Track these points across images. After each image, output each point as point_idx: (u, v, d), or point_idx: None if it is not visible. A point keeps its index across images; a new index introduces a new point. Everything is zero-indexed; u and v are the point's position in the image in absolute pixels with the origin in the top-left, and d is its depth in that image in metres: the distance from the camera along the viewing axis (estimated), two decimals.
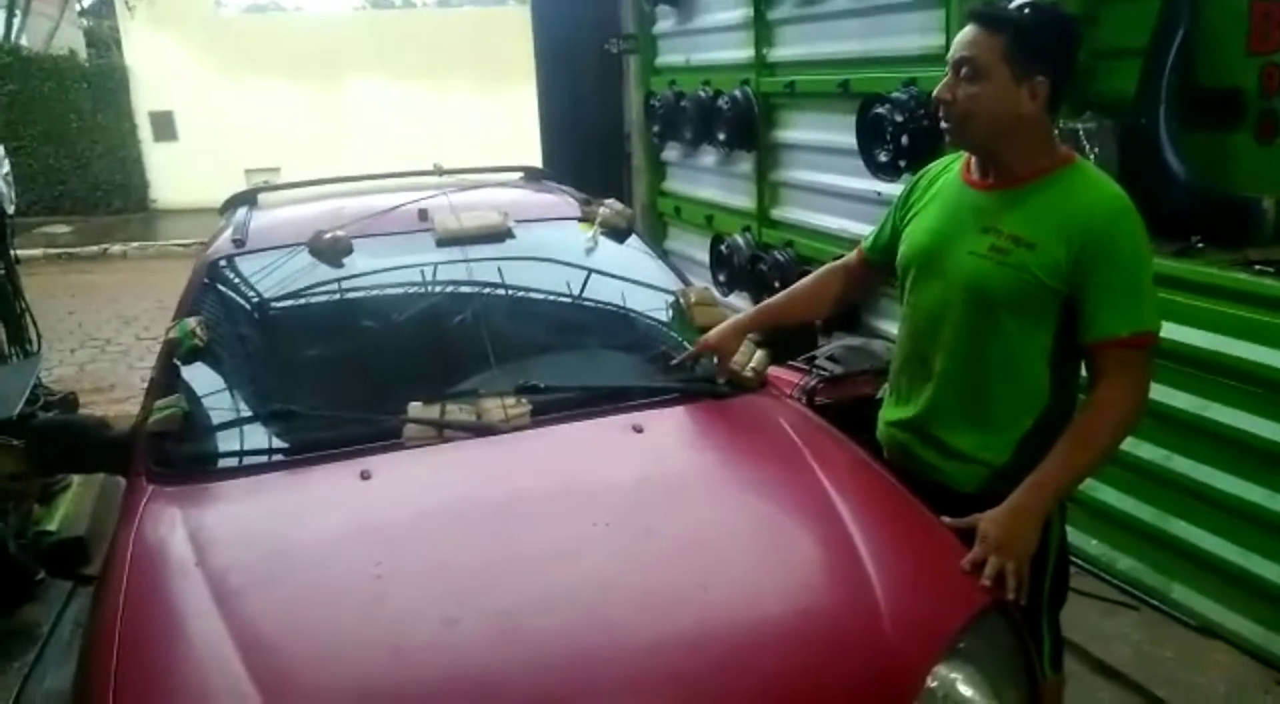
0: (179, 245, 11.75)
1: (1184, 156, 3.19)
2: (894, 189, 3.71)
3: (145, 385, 2.56)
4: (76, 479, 4.29)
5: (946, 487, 2.02)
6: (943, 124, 1.88)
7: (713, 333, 2.44)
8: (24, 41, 15.42)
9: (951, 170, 2.04)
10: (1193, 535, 3.00)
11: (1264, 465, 2.78)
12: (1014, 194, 1.88)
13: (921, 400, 2.04)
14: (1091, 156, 3.32)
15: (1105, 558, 3.28)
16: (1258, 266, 2.81)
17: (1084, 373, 1.94)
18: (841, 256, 2.40)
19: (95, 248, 12.42)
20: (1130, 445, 3.06)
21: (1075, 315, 1.83)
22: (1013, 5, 1.86)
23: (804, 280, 2.43)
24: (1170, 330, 2.91)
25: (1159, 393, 2.91)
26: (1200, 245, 3.01)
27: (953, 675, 1.66)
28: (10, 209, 4.92)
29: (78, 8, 18.55)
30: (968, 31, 1.82)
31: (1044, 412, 1.93)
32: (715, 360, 2.45)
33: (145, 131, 15.60)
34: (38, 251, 11.50)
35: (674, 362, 2.49)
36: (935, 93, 1.86)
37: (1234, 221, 3.04)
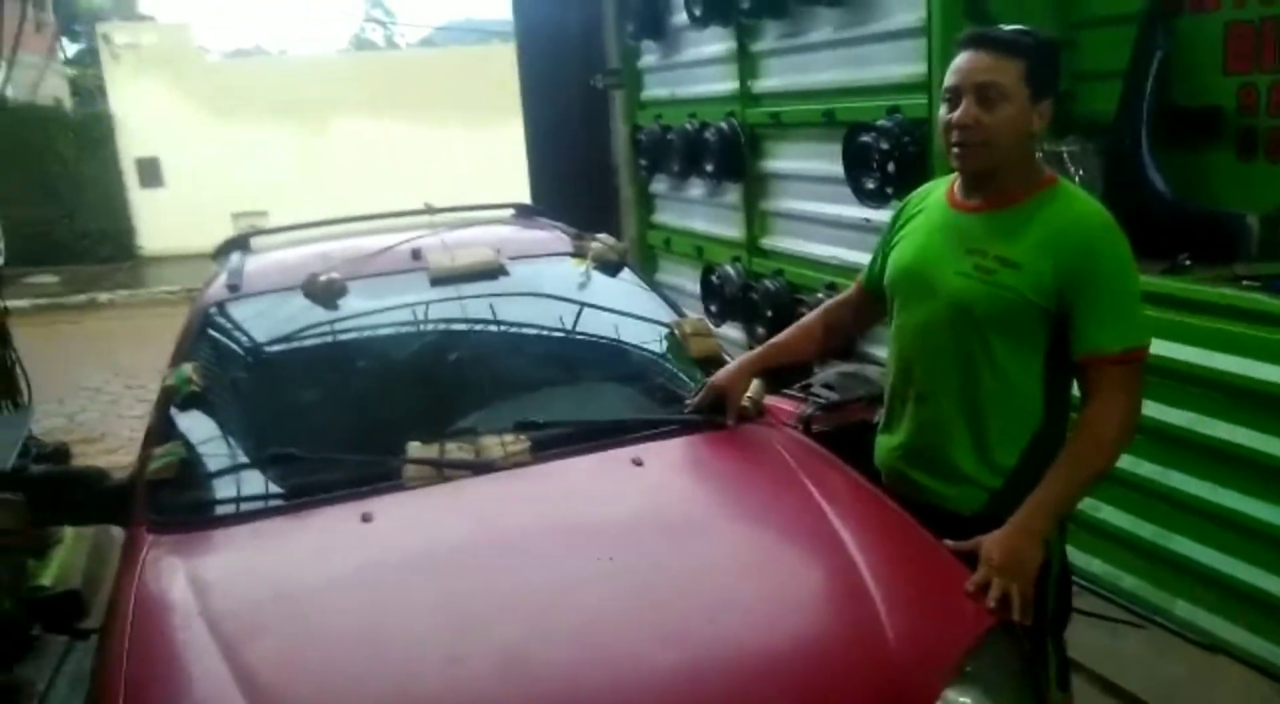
0: (167, 292, 11.76)
1: (1167, 176, 3.23)
2: (882, 215, 3.75)
3: (136, 435, 2.54)
4: (69, 532, 4.24)
5: (946, 510, 2.02)
6: (955, 149, 1.88)
7: (721, 374, 2.43)
8: (9, 91, 15.46)
9: (936, 194, 2.07)
10: (1194, 551, 3.00)
11: (1261, 479, 2.79)
12: (1000, 215, 1.90)
13: (916, 424, 2.05)
14: (1076, 178, 3.36)
15: (1109, 577, 3.28)
16: (1245, 282, 2.84)
17: (1075, 390, 1.95)
18: (833, 284, 2.42)
19: (83, 297, 12.42)
20: (1128, 463, 3.07)
21: (1064, 333, 1.85)
22: (1008, 30, 1.88)
23: (808, 317, 2.45)
24: (1162, 347, 2.93)
25: (1154, 410, 2.92)
26: (1188, 263, 3.03)
27: (961, 699, 1.65)
28: (0, 260, 4.92)
29: (62, 57, 18.65)
30: (980, 57, 1.83)
31: (1039, 430, 1.94)
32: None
33: (132, 178, 15.68)
34: (25, 302, 11.46)
35: (686, 405, 2.47)
36: (956, 118, 1.84)
37: (1220, 238, 3.06)
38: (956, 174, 2.00)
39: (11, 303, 5.71)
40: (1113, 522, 3.22)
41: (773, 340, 2.48)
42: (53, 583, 3.85)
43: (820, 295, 4.37)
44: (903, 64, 3.85)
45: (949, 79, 1.87)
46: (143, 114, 15.48)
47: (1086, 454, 1.85)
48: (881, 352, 3.79)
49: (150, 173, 15.78)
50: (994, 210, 1.91)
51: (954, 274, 1.92)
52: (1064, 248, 1.82)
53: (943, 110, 1.90)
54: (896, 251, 2.08)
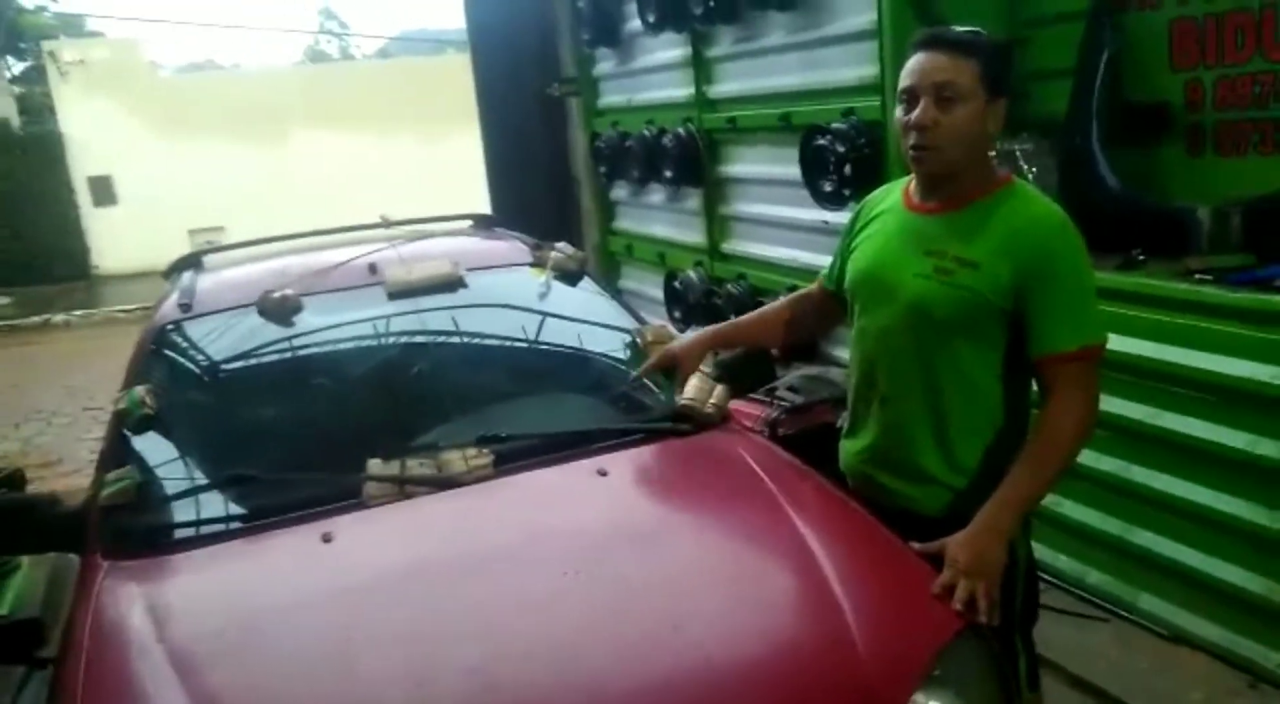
0: (123, 312, 11.57)
1: (1119, 172, 3.27)
2: (840, 218, 3.76)
3: (94, 458, 2.49)
4: (25, 559, 4.14)
5: (912, 512, 2.02)
6: (912, 151, 1.87)
7: (676, 343, 2.42)
8: None
9: (892, 196, 2.07)
10: (1157, 544, 3.03)
11: (1219, 471, 2.83)
12: (957, 216, 1.91)
13: (880, 426, 2.05)
14: (1030, 176, 3.40)
15: (1075, 573, 3.30)
16: (1197, 275, 2.87)
17: (1034, 388, 1.96)
18: (794, 287, 2.42)
19: (37, 318, 12.20)
20: (1090, 458, 3.10)
21: (1021, 332, 1.86)
22: (962, 30, 1.88)
23: (772, 305, 2.45)
24: (1119, 342, 2.96)
25: (1114, 405, 2.96)
26: (1141, 258, 3.07)
27: (931, 702, 1.65)
28: None
29: (8, 74, 18.33)
30: (936, 58, 1.82)
31: (1000, 429, 1.95)
32: (674, 380, 2.43)
33: (84, 197, 15.44)
34: None
35: (633, 376, 2.47)
36: (914, 119, 1.84)
37: (1172, 233, 3.10)
38: (912, 176, 2.01)
39: None
40: (1077, 517, 3.25)
41: (734, 320, 2.47)
42: (9, 611, 3.76)
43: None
44: (856, 67, 3.87)
45: (905, 80, 1.86)
46: (94, 132, 15.24)
47: (1047, 452, 1.86)
48: (844, 353, 3.81)
49: (103, 191, 15.54)
50: (951, 211, 1.92)
51: (913, 277, 1.92)
52: (1021, 248, 1.83)
53: (899, 112, 1.89)
54: (856, 255, 2.09)
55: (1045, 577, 3.28)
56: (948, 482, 1.97)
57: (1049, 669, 2.85)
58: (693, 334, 2.44)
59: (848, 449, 2.18)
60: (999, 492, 1.85)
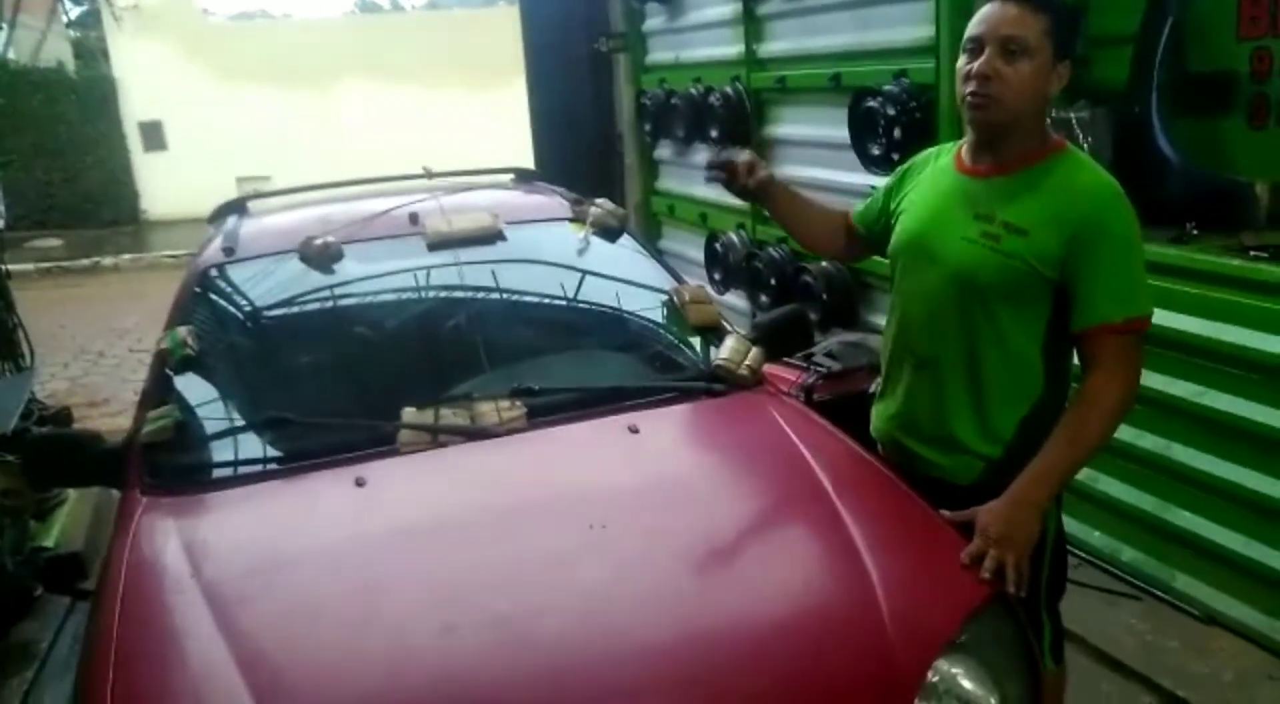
0: (170, 256, 11.73)
1: (1177, 143, 3.18)
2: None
3: (139, 398, 2.54)
4: (72, 494, 4.26)
5: (944, 480, 2.01)
6: (970, 101, 1.83)
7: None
8: (11, 54, 15.37)
9: (943, 158, 2.03)
10: (1195, 524, 2.99)
11: (1264, 451, 2.77)
12: (1007, 181, 1.87)
13: (914, 391, 2.03)
14: (1085, 145, 3.31)
15: (1108, 549, 3.27)
16: (1252, 252, 2.80)
17: (1074, 361, 1.93)
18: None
19: (86, 261, 12.40)
20: (1130, 435, 3.06)
21: (1067, 303, 1.83)
22: None
23: (821, 204, 2.36)
24: (1167, 318, 2.91)
25: (1158, 381, 2.91)
26: (1195, 232, 3.00)
27: (954, 670, 1.65)
28: (1, 224, 4.90)
29: (64, 19, 18.50)
30: (1007, 9, 1.79)
31: (1038, 400, 1.92)
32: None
33: (135, 142, 15.58)
34: (29, 266, 11.47)
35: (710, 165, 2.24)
36: (977, 68, 1.80)
37: (1228, 207, 3.02)
38: (963, 140, 1.98)
39: (14, 266, 5.72)
40: (1113, 494, 3.21)
41: (794, 192, 2.31)
42: (55, 544, 3.88)
43: (825, 265, 4.35)
44: (910, 27, 3.79)
45: (972, 29, 1.83)
46: (145, 77, 15.34)
47: (1086, 426, 1.83)
48: (883, 320, 3.76)
49: (153, 136, 15.67)
50: (1002, 175, 1.88)
51: (960, 240, 1.89)
52: (1072, 217, 1.79)
53: (962, 60, 1.85)
54: (904, 219, 2.05)
55: (1078, 552, 3.26)
56: (981, 451, 1.95)
57: (1077, 644, 2.84)
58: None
59: (879, 413, 2.16)
60: (1034, 463, 1.83)
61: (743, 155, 2.21)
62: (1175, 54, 3.21)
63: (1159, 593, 3.10)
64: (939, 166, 2.03)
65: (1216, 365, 2.85)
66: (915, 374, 2.02)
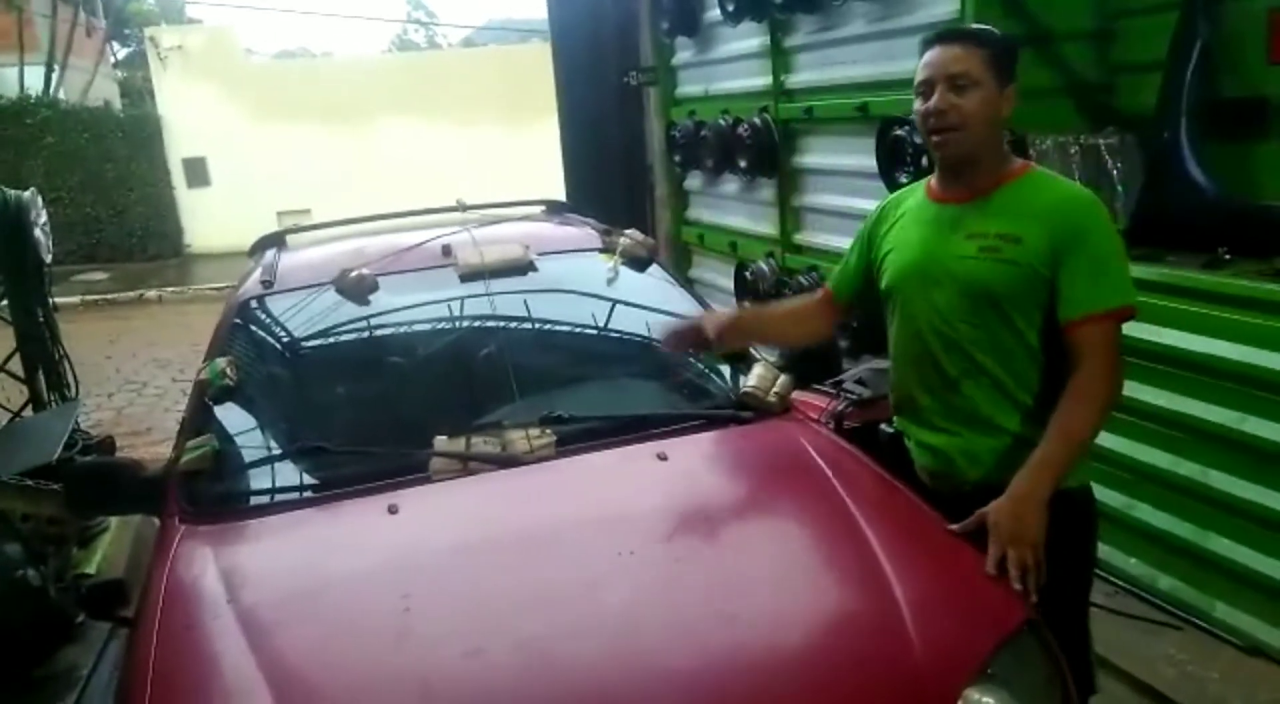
0: (212, 289, 11.94)
1: (1208, 168, 3.17)
2: None
3: (179, 427, 2.60)
4: (114, 522, 4.34)
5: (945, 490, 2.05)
6: (934, 138, 1.97)
7: (707, 316, 2.45)
8: (61, 94, 15.84)
9: (914, 196, 2.14)
10: (1235, 552, 2.94)
11: None
12: (987, 200, 1.98)
13: (953, 411, 2.03)
14: (1114, 172, 3.32)
15: (1146, 577, 3.22)
16: None
17: None
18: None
19: (131, 293, 12.68)
20: (1168, 461, 3.03)
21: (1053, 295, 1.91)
22: (968, 27, 1.99)
23: (795, 301, 2.50)
24: (1202, 343, 2.88)
25: (1194, 407, 2.89)
26: (1228, 257, 2.97)
27: (984, 699, 1.63)
28: (48, 258, 5.03)
29: (112, 60, 19.03)
30: (949, 50, 1.93)
31: (1050, 381, 1.96)
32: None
33: (179, 178, 15.96)
34: (76, 298, 11.75)
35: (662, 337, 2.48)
36: (932, 105, 1.93)
37: (1261, 232, 3.00)
38: (929, 178, 2.10)
39: (61, 299, 5.86)
40: (1150, 521, 3.16)
41: (760, 310, 2.48)
42: (96, 571, 3.95)
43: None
44: None
45: (921, 74, 1.97)
46: (189, 115, 15.74)
47: (1077, 419, 1.90)
48: None
49: (197, 172, 16.06)
50: (981, 197, 1.98)
51: (959, 259, 1.97)
52: (1055, 220, 1.90)
53: (917, 103, 1.99)
54: (895, 255, 2.11)
55: (1115, 580, 3.21)
56: (1022, 432, 1.97)
57: (1116, 674, 2.80)
58: (725, 312, 2.46)
59: (920, 441, 2.14)
60: (1033, 458, 1.89)
61: (688, 331, 2.40)
62: (1205, 79, 3.20)
63: (1199, 622, 3.05)
64: (915, 203, 2.13)
65: (1254, 391, 2.81)
66: (946, 392, 2.03)
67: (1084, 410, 1.90)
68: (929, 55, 1.97)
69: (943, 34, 2.01)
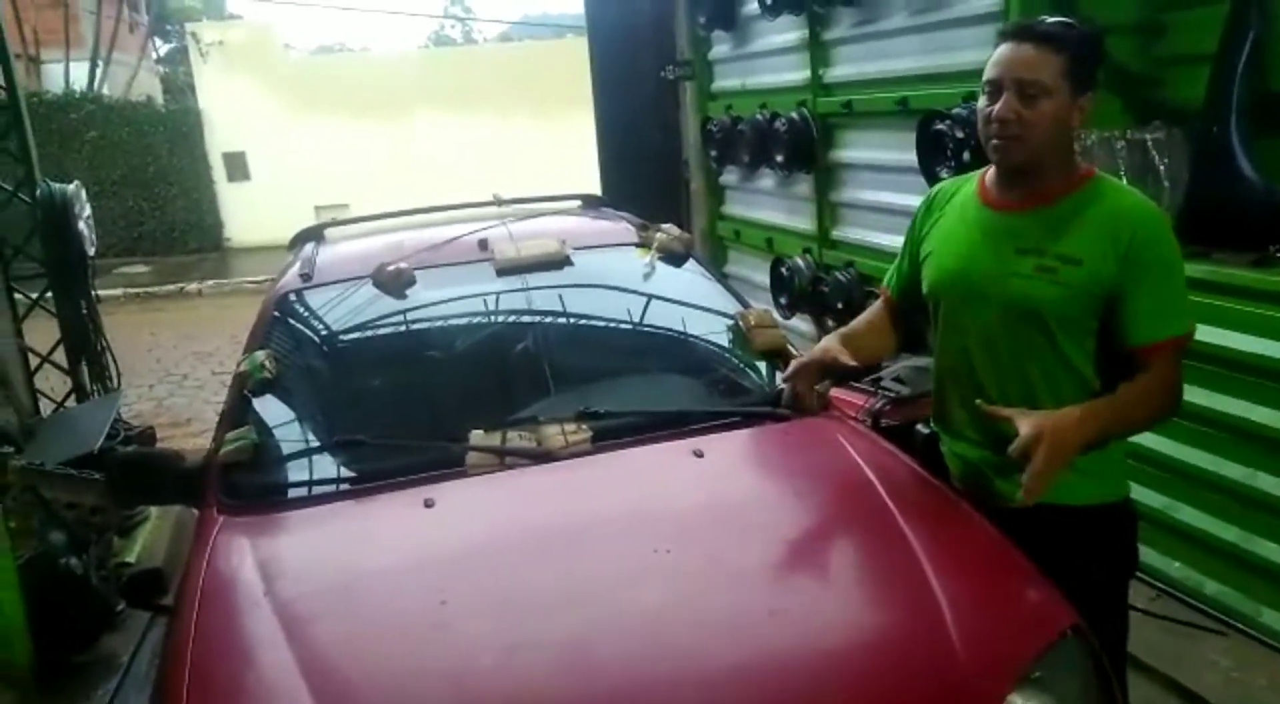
0: (252, 282, 12.08)
1: (1258, 163, 3.09)
2: None
3: (218, 419, 2.62)
4: (154, 512, 4.40)
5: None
6: (994, 142, 1.85)
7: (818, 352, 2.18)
8: (105, 89, 16.07)
9: (965, 190, 2.02)
10: None
11: None
12: (1048, 212, 1.87)
13: (990, 430, 1.97)
14: (1161, 167, 3.25)
15: (1190, 581, 3.16)
16: None
17: None
18: None
19: (172, 286, 12.85)
20: (1212, 464, 2.97)
21: (1112, 314, 1.84)
22: (1051, 22, 1.84)
23: (866, 314, 2.32)
24: (1248, 343, 2.82)
25: (1240, 408, 2.82)
26: (1278, 254, 2.90)
27: None
28: (91, 251, 5.11)
29: (154, 56, 19.28)
30: (1022, 50, 1.80)
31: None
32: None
33: (219, 172, 16.13)
34: (118, 291, 11.93)
35: (782, 380, 2.32)
36: (996, 112, 1.81)
37: None
38: (985, 168, 1.98)
39: (103, 292, 5.96)
40: (1194, 524, 3.10)
41: (849, 332, 2.25)
42: (136, 560, 4.01)
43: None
44: (978, 50, 3.72)
45: (989, 71, 1.84)
46: (230, 110, 15.91)
47: (1138, 411, 1.86)
48: None
49: (237, 167, 16.22)
50: (1039, 207, 1.88)
51: (1012, 277, 1.88)
52: (1122, 238, 1.80)
53: (982, 102, 1.86)
54: (936, 258, 2.03)
55: (1158, 584, 3.15)
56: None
57: (1159, 680, 2.76)
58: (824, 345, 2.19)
59: (954, 451, 2.11)
60: (1091, 404, 1.82)
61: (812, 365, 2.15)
62: (1256, 72, 3.13)
63: (1244, 627, 2.98)
64: (964, 200, 2.01)
65: None
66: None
67: (1142, 410, 1.86)
68: (1001, 52, 1.83)
69: (1020, 29, 1.84)
